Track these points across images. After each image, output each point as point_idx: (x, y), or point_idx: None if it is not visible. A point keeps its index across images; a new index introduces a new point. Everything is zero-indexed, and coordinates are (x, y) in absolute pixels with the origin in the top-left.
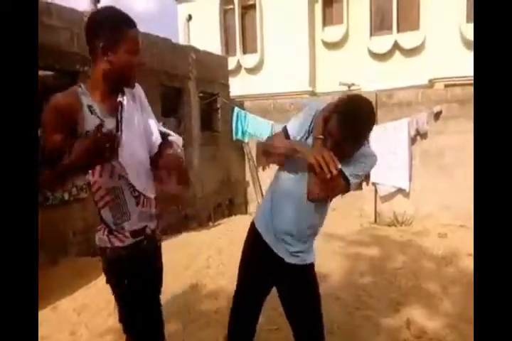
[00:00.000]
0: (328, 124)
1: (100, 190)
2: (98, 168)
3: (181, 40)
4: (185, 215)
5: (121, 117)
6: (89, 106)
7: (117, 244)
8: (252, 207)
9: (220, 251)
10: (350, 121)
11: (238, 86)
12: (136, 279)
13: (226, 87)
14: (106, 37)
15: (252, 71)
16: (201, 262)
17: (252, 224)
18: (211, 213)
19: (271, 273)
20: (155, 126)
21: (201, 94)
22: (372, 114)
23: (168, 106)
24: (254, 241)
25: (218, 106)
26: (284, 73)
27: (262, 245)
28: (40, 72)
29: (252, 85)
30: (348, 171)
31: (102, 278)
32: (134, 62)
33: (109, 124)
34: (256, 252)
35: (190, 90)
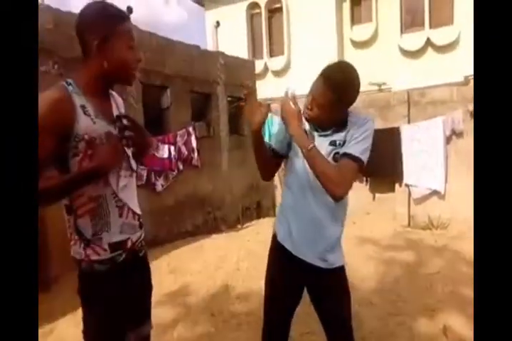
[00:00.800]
0: (313, 88)
1: (82, 197)
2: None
3: (210, 47)
4: (214, 217)
5: (120, 120)
6: (82, 107)
7: (93, 257)
8: None
9: (249, 254)
10: (332, 80)
11: (265, 89)
12: (110, 302)
13: (254, 90)
14: (99, 33)
15: (278, 73)
16: (231, 264)
17: (274, 237)
18: (240, 216)
19: (300, 281)
20: None
21: (229, 99)
22: (355, 76)
23: (198, 110)
24: (279, 254)
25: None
26: (311, 74)
27: (288, 256)
28: None
29: (279, 88)
30: (353, 150)
31: None
32: (132, 58)
33: (101, 126)
34: (283, 264)
35: (219, 95)
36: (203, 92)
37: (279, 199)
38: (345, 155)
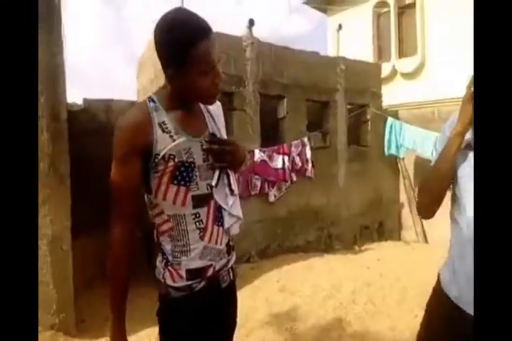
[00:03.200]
0: None
1: (163, 214)
2: (163, 188)
3: (331, 52)
4: (328, 234)
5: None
6: (161, 124)
7: (169, 282)
8: (407, 234)
9: (369, 285)
10: None
11: (392, 94)
12: (182, 333)
13: (378, 96)
14: (173, 55)
15: (409, 76)
16: (346, 294)
17: (441, 291)
18: (357, 235)
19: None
20: None
21: (349, 106)
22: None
23: (313, 120)
24: (441, 299)
25: (368, 117)
26: (448, 76)
27: (450, 303)
28: None
29: (409, 92)
30: None
31: (249, 288)
32: (206, 84)
33: (182, 143)
34: (443, 313)
35: (337, 102)
36: (320, 100)
37: (406, 221)
38: None
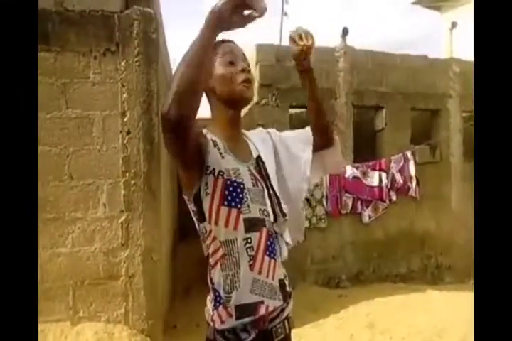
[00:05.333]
0: None
1: (215, 240)
2: (214, 210)
3: (444, 54)
4: (437, 264)
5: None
6: (214, 141)
7: (217, 325)
8: None
9: None
10: None
11: None
12: None
13: None
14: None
15: None
16: None
17: None
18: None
19: None
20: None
21: (465, 114)
22: None
23: (420, 131)
24: None
25: None
26: None
27: None
28: (293, 110)
29: None
30: None
31: (333, 318)
32: (232, 71)
33: (230, 161)
34: None
35: (450, 110)
36: (429, 108)
37: None
38: None
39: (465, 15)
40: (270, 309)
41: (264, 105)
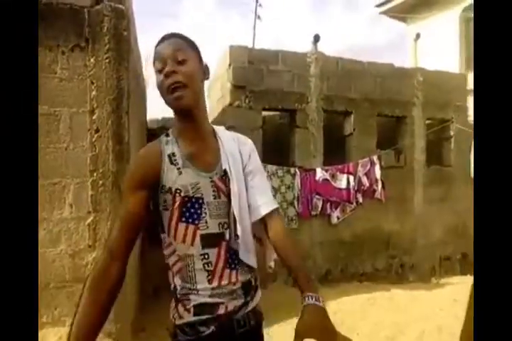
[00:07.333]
0: None
1: (175, 253)
2: (173, 226)
3: (408, 63)
4: (401, 264)
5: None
6: (171, 155)
7: (177, 321)
8: None
9: (440, 329)
10: None
11: None
12: None
13: (463, 110)
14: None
15: None
16: (410, 339)
17: None
18: (436, 267)
19: None
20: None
21: (429, 121)
22: None
23: (386, 137)
24: None
25: (451, 134)
26: None
27: None
28: (266, 113)
29: None
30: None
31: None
32: (161, 81)
33: (188, 176)
34: None
35: (414, 117)
36: (394, 115)
37: None
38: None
39: (428, 27)
40: (230, 309)
41: (237, 107)
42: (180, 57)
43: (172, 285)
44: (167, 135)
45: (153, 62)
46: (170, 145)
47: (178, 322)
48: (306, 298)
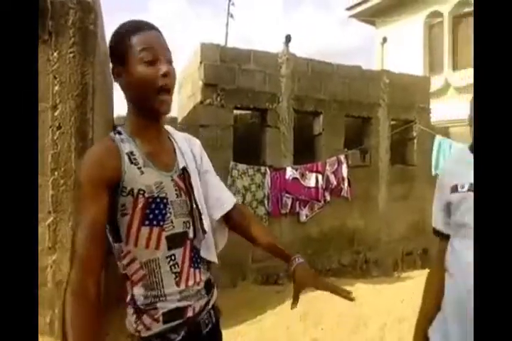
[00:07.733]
0: None
1: (135, 261)
2: (133, 231)
3: (375, 65)
4: (365, 259)
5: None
6: (130, 154)
7: (143, 333)
8: None
9: (400, 322)
10: None
11: (444, 109)
12: None
13: (426, 111)
14: (113, 55)
15: (464, 90)
16: (374, 330)
17: None
18: (398, 262)
19: None
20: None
21: (393, 122)
22: None
23: (353, 137)
24: None
25: (414, 134)
26: None
27: None
28: (238, 112)
29: (462, 107)
30: None
31: (271, 314)
32: (150, 73)
33: (151, 176)
34: None
35: (380, 118)
36: (361, 116)
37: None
38: None
39: (395, 31)
40: (197, 310)
41: (209, 105)
42: (169, 58)
43: (129, 297)
44: (119, 133)
45: (140, 48)
46: (127, 144)
47: (145, 334)
48: (295, 260)
